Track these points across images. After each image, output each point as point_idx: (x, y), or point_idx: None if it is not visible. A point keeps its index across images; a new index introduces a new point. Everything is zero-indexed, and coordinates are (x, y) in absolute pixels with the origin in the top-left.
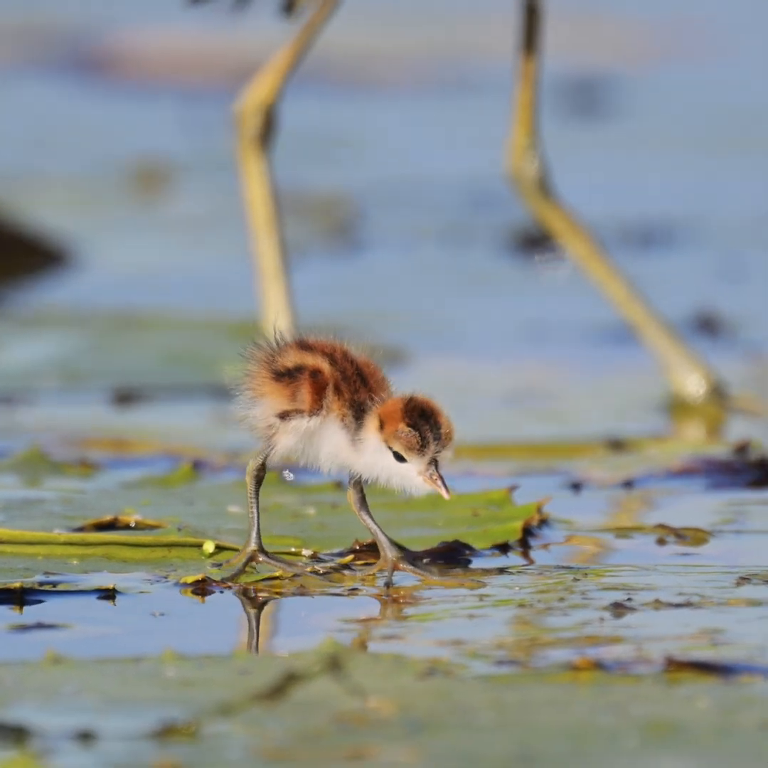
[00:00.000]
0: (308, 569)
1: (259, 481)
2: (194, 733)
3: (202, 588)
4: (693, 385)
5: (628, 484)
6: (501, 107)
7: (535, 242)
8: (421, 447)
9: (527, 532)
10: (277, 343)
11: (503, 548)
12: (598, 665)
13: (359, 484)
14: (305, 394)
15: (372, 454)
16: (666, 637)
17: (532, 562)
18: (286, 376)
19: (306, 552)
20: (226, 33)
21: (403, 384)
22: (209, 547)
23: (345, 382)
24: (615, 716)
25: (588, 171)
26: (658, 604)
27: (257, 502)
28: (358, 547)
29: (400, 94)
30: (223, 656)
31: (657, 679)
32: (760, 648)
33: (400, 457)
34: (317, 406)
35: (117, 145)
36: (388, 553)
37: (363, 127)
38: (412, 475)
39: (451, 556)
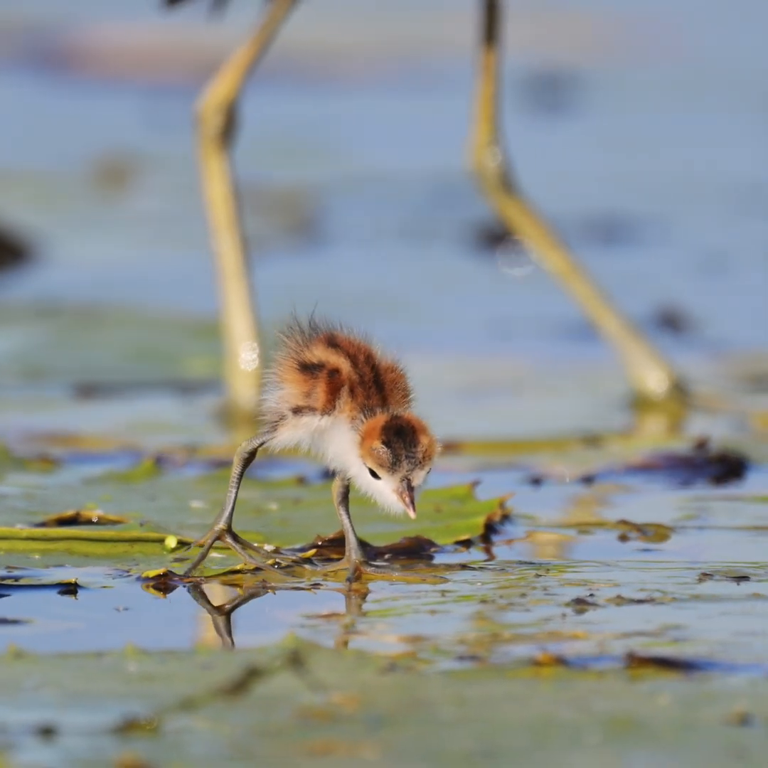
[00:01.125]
0: (269, 562)
1: (246, 463)
2: (156, 729)
3: (164, 583)
4: (655, 381)
5: (588, 480)
6: (464, 102)
7: (499, 238)
8: (392, 465)
9: (489, 527)
10: (308, 334)
11: (465, 544)
12: (560, 661)
13: (347, 480)
14: (320, 393)
15: (356, 466)
16: (628, 632)
17: (494, 557)
18: (309, 370)
19: (268, 547)
20: (190, 28)
21: None
22: (171, 542)
23: (361, 386)
24: (577, 712)
25: (551, 166)
26: (620, 600)
27: (238, 484)
28: (320, 543)
29: (363, 89)
30: (185, 651)
31: (619, 675)
32: (722, 644)
33: (374, 474)
34: (330, 406)
35: (81, 140)
36: (353, 555)
37: (326, 123)
38: (386, 492)
39: (414, 552)
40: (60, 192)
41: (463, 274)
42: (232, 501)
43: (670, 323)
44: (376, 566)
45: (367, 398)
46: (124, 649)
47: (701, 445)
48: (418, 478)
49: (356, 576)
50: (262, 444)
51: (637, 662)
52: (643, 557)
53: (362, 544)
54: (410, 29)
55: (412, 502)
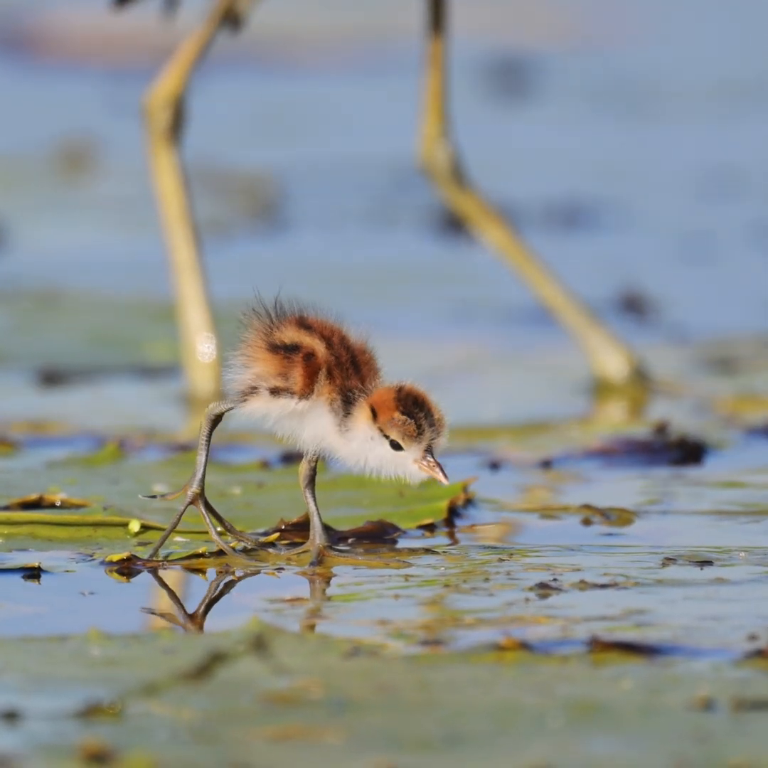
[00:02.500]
0: (232, 544)
1: (213, 425)
2: (119, 713)
3: (127, 567)
4: (615, 367)
5: (547, 464)
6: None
7: (459, 223)
8: (418, 435)
9: (453, 512)
10: (277, 315)
11: (429, 528)
12: (524, 645)
13: (314, 463)
14: (297, 377)
15: (362, 443)
16: (591, 617)
17: (457, 542)
18: (282, 350)
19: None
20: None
21: None
22: (135, 526)
23: (338, 368)
24: (540, 696)
25: (513, 151)
26: (583, 585)
27: (208, 447)
28: (283, 527)
29: (325, 74)
30: (148, 636)
31: (582, 660)
32: (686, 629)
33: (396, 446)
34: (308, 390)
35: (42, 124)
36: (317, 539)
37: (288, 107)
38: (407, 463)
39: (377, 536)
40: (21, 176)
41: (425, 259)
42: (202, 464)
43: (633, 307)
44: (340, 551)
45: (345, 380)
46: (87, 633)
47: (660, 429)
48: (439, 445)
49: (320, 560)
50: (230, 408)
51: (601, 647)
52: (606, 542)
53: (326, 528)
54: (371, 15)
55: (442, 468)
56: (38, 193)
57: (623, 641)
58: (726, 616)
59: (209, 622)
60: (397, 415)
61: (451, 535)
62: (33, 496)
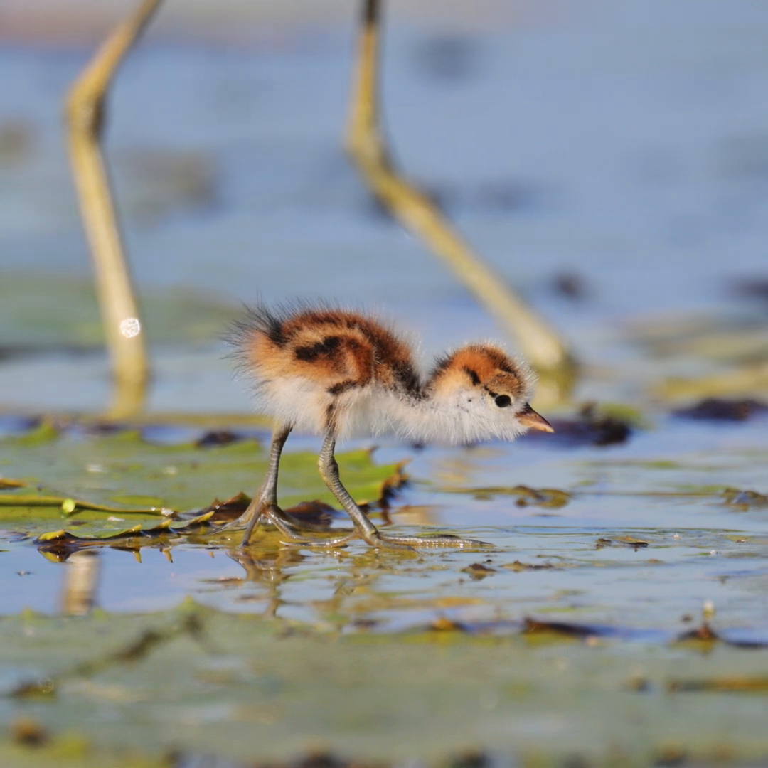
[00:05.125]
0: (313, 545)
1: (336, 474)
2: (53, 693)
3: (61, 546)
4: (544, 353)
5: (470, 444)
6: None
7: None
8: (524, 388)
9: (387, 493)
10: (280, 316)
11: (363, 509)
12: (458, 626)
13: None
14: (351, 365)
15: (451, 408)
16: (525, 598)
17: (391, 523)
18: (319, 350)
19: (166, 511)
20: None
21: None
22: (69, 506)
23: (380, 346)
24: (474, 677)
25: (450, 132)
26: (517, 566)
27: (350, 497)
28: (218, 507)
29: (265, 54)
30: (83, 616)
31: (516, 641)
32: (620, 610)
33: (503, 401)
34: (367, 374)
35: None
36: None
37: (226, 88)
38: (510, 418)
39: (311, 517)
40: None
41: (358, 240)
42: (356, 510)
43: (567, 289)
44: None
45: (393, 355)
46: (21, 613)
47: (586, 410)
48: (532, 397)
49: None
50: (333, 447)
51: (535, 628)
52: (540, 523)
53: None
54: None
55: (545, 419)
56: None
57: (557, 622)
58: (660, 597)
59: (143, 602)
60: (499, 371)
61: (386, 516)
62: None
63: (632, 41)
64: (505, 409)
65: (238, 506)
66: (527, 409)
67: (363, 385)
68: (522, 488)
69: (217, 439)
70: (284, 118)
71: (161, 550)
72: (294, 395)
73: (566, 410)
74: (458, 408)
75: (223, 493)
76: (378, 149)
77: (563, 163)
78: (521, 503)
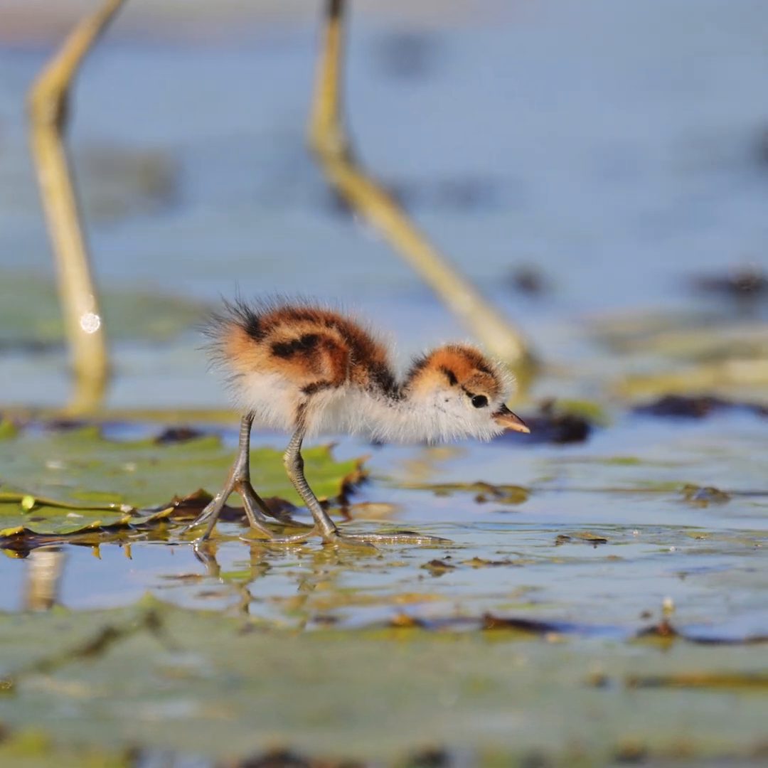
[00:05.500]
0: (268, 537)
1: (301, 470)
2: (13, 689)
3: (20, 542)
4: (504, 350)
5: (421, 440)
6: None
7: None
8: (502, 388)
9: (347, 489)
10: (254, 318)
11: (323, 505)
12: (417, 622)
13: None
14: (326, 366)
15: (427, 408)
16: (485, 594)
17: (351, 518)
18: (295, 348)
19: (125, 508)
20: None
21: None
22: (28, 502)
23: (357, 347)
24: (433, 673)
25: (410, 129)
26: (476, 562)
27: (310, 490)
28: (177, 503)
29: (223, 50)
30: (42, 612)
31: (475, 637)
32: (579, 606)
33: (479, 402)
34: (342, 375)
35: None
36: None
37: (185, 85)
38: (486, 419)
39: (271, 513)
40: None
41: (320, 236)
42: (320, 509)
43: (527, 286)
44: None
45: (370, 356)
46: None
47: (545, 407)
48: (509, 398)
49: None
50: (300, 444)
51: (494, 624)
52: (500, 519)
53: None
54: None
55: (521, 419)
56: None
57: (516, 619)
58: (619, 593)
59: (103, 599)
60: (476, 371)
61: (345, 512)
62: None
63: (592, 38)
64: (481, 409)
65: (198, 503)
66: (504, 410)
67: (337, 387)
68: (481, 485)
69: (176, 435)
70: (244, 115)
71: (121, 547)
72: (267, 391)
73: (526, 407)
74: (435, 408)
75: (183, 490)
76: (340, 145)
77: (524, 160)
78: (480, 500)
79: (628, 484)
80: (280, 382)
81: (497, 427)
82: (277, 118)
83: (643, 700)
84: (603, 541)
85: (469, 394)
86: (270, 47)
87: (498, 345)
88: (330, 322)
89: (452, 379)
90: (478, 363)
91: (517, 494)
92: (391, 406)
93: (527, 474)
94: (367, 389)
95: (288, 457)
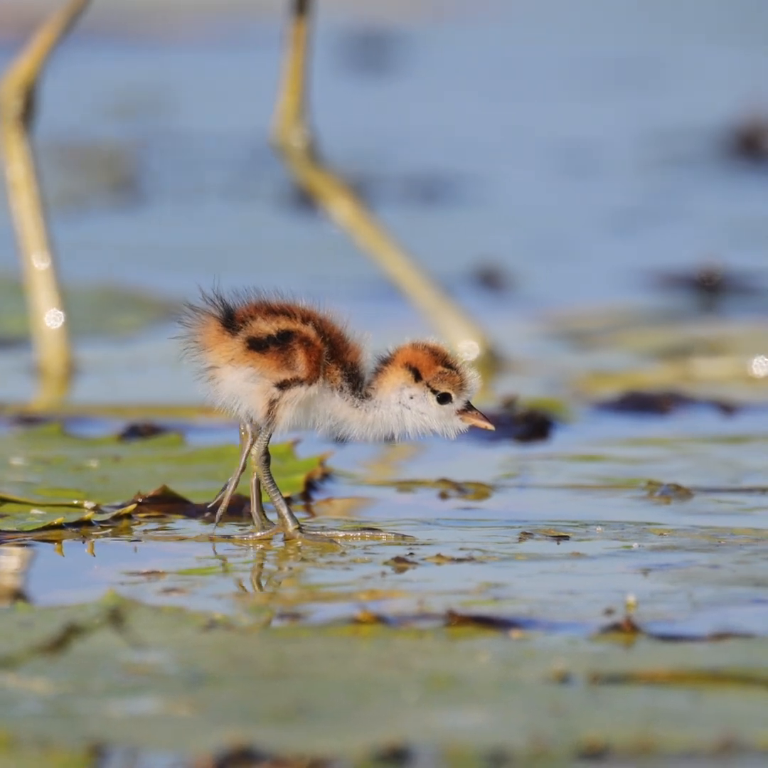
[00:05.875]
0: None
1: (268, 465)
2: None
3: None
4: (467, 348)
5: (389, 438)
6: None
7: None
8: (467, 386)
9: (310, 485)
10: (229, 311)
11: (286, 502)
12: (380, 619)
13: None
14: (301, 362)
15: (393, 406)
16: (448, 591)
17: (314, 515)
18: (270, 343)
19: (88, 504)
20: None
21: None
22: None
23: (331, 346)
24: (396, 670)
25: (373, 125)
26: (440, 559)
27: (276, 487)
28: (140, 500)
29: (189, 47)
30: (5, 608)
31: (438, 634)
32: (542, 603)
33: (444, 399)
34: (316, 373)
35: None
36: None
37: (150, 81)
38: (451, 416)
39: (234, 509)
40: None
41: (282, 232)
42: (284, 505)
43: (490, 282)
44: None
45: (343, 355)
46: None
47: (508, 404)
48: (473, 396)
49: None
50: (269, 438)
51: (457, 621)
52: (463, 516)
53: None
54: None
55: (486, 416)
56: None
57: (480, 615)
58: (582, 590)
59: (66, 595)
60: (441, 368)
61: (308, 508)
62: None
63: (555, 34)
64: (446, 406)
65: (161, 499)
66: (469, 407)
67: (310, 384)
68: (444, 481)
69: (139, 431)
70: (207, 111)
71: (84, 543)
72: (240, 385)
73: (489, 404)
74: (400, 405)
75: (146, 486)
76: (305, 141)
77: (487, 156)
78: (444, 496)
79: (591, 481)
80: (253, 377)
81: (462, 424)
82: (241, 114)
83: (606, 697)
84: (566, 537)
85: (434, 391)
86: (235, 44)
87: (461, 341)
88: (306, 318)
89: (417, 376)
90: (442, 360)
91: (480, 491)
92: (357, 406)
93: (490, 471)
94: (337, 389)
95: (256, 451)
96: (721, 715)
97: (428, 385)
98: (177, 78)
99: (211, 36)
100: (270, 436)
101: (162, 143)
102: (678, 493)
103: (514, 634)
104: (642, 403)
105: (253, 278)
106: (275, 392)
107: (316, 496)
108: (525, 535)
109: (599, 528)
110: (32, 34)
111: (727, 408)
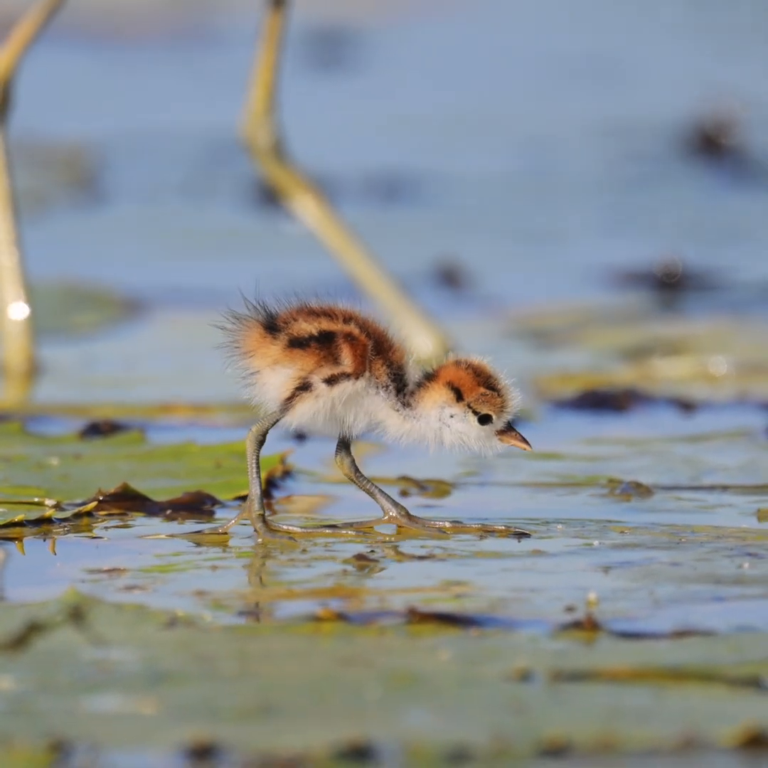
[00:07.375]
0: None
1: (259, 445)
2: None
3: None
4: (427, 349)
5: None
6: (248, 61)
7: (277, 196)
8: (504, 407)
9: (271, 483)
10: (271, 313)
11: (246, 499)
12: (341, 617)
13: (349, 448)
14: (346, 356)
15: (432, 422)
16: (409, 589)
17: (275, 513)
18: (313, 341)
19: (49, 502)
20: None
21: (141, 336)
22: None
23: (376, 345)
24: (358, 668)
25: (333, 123)
26: (400, 556)
27: (258, 470)
28: (101, 497)
29: (148, 46)
30: None
31: (400, 631)
32: (503, 600)
33: (485, 420)
34: (362, 367)
35: None
36: (393, 510)
37: (109, 79)
38: (490, 436)
39: (195, 507)
40: None
41: (241, 231)
42: (257, 485)
43: (450, 280)
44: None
45: (388, 355)
46: None
47: None
48: (515, 414)
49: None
50: (275, 422)
51: (418, 618)
52: (424, 513)
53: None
54: None
55: (524, 438)
56: None
57: (441, 613)
58: (543, 587)
59: (27, 593)
60: (483, 390)
61: (269, 506)
62: None
63: (517, 32)
64: (486, 427)
65: (122, 496)
66: (509, 428)
67: (357, 378)
68: (405, 479)
69: (100, 429)
70: (167, 109)
71: (45, 541)
72: (284, 385)
73: None
74: (440, 422)
75: (107, 484)
76: (272, 138)
77: (447, 154)
78: (404, 494)
79: (551, 479)
80: (296, 375)
81: (501, 444)
82: (203, 112)
83: (567, 694)
84: (527, 535)
85: (475, 413)
86: (194, 42)
87: (421, 342)
88: (348, 319)
89: (459, 396)
90: (485, 381)
91: (440, 488)
92: (397, 410)
93: (451, 468)
94: (383, 387)
95: (255, 428)
96: (683, 712)
97: (469, 406)
98: (135, 74)
99: (173, 32)
100: (276, 421)
101: (122, 141)
102: (638, 490)
103: (475, 631)
104: (602, 402)
105: (212, 276)
106: (324, 388)
107: (277, 494)
108: (485, 533)
109: (560, 526)
110: (7, 31)
111: (687, 406)
